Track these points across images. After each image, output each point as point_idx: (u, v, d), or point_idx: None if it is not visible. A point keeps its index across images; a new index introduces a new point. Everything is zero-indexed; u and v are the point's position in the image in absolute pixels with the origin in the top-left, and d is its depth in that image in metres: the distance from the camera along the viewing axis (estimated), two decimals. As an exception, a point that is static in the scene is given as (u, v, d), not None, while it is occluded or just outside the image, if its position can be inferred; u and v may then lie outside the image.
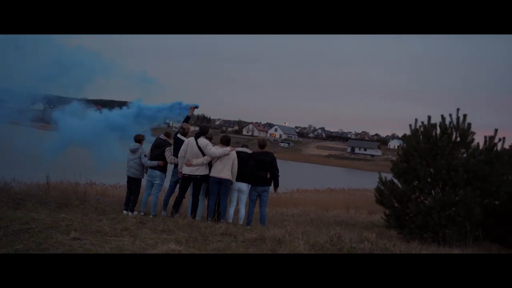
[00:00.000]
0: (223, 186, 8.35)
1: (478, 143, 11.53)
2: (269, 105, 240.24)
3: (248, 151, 8.89)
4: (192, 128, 9.80)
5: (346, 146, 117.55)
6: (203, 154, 8.37)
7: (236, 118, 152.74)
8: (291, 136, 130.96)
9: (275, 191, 9.10)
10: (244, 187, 8.66)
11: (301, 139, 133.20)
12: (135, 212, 9.07)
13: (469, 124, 11.32)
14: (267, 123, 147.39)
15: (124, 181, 14.24)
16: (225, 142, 8.56)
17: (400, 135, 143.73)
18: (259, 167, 8.60)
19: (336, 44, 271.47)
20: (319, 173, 58.66)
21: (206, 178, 8.46)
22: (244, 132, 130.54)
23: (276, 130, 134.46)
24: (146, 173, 9.32)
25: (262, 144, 9.00)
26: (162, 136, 9.24)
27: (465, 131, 11.31)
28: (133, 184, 9.26)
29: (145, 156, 9.15)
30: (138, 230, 6.82)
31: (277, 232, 6.75)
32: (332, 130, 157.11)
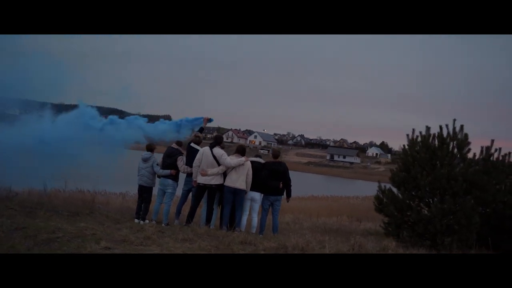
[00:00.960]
0: (237, 195, 8.46)
1: (474, 153, 11.91)
2: (248, 111, 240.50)
3: (261, 161, 9.03)
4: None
5: (326, 154, 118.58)
6: (218, 164, 8.46)
7: (215, 125, 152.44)
8: (271, 143, 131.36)
9: (287, 201, 9.23)
10: (257, 196, 8.78)
11: (280, 146, 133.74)
12: (147, 221, 9.08)
13: (466, 135, 11.69)
14: (246, 130, 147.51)
15: (114, 189, 14.00)
16: (241, 152, 8.68)
17: (378, 143, 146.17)
18: (272, 177, 8.74)
19: (314, 51, 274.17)
20: (300, 180, 59.04)
21: (220, 187, 8.55)
22: (224, 139, 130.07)
23: (255, 137, 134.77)
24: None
25: (276, 154, 9.15)
26: (174, 145, 9.30)
27: (463, 142, 11.68)
28: (145, 192, 9.27)
29: (157, 165, 9.18)
30: (160, 239, 6.88)
31: (299, 240, 6.87)
32: (311, 138, 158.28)
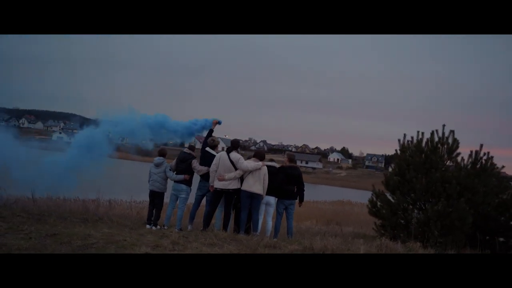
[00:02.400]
0: (254, 200, 8.50)
1: (462, 157, 12.44)
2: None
3: (276, 165, 9.12)
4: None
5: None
6: (235, 168, 8.49)
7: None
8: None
9: (299, 205, 9.33)
10: (272, 200, 8.86)
11: (243, 151, 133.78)
12: (158, 227, 9.00)
13: (456, 140, 12.22)
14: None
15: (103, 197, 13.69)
16: (258, 156, 8.74)
17: (338, 148, 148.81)
18: (287, 181, 8.84)
19: (275, 57, 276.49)
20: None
21: (237, 192, 8.57)
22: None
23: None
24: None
25: (291, 158, 9.27)
26: (186, 150, 9.26)
27: (452, 146, 12.20)
28: (157, 198, 9.19)
29: (170, 170, 9.12)
30: (188, 244, 6.84)
31: (327, 243, 6.99)
32: (273, 143, 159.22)
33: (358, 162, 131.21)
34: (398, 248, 6.93)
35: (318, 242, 7.06)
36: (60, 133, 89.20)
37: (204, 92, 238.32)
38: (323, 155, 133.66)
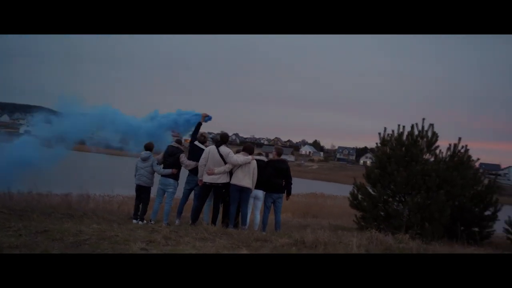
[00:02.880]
0: (243, 194, 8.49)
1: (440, 150, 12.73)
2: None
3: (265, 159, 9.13)
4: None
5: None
6: (225, 162, 8.46)
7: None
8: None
9: (287, 199, 9.37)
10: (260, 194, 8.87)
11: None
12: (145, 221, 8.91)
13: (435, 133, 12.49)
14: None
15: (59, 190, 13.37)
16: (248, 150, 8.73)
17: (310, 141, 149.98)
18: (276, 175, 8.87)
19: (248, 51, 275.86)
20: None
21: (226, 186, 8.55)
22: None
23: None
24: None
25: (280, 152, 9.29)
26: (174, 144, 9.17)
27: (431, 140, 12.47)
28: (143, 192, 9.09)
29: (157, 164, 9.02)
30: (180, 238, 6.79)
31: (318, 236, 7.04)
32: (245, 136, 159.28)
33: (330, 155, 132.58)
34: (389, 240, 7.04)
35: (309, 235, 7.10)
36: (28, 126, 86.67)
37: (177, 86, 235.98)
38: (295, 148, 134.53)
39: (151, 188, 9.25)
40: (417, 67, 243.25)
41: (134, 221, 8.89)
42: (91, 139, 10.93)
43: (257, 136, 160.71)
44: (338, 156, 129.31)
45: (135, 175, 9.16)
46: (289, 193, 9.25)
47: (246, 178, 8.48)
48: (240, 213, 8.69)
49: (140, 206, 9.10)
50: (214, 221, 8.57)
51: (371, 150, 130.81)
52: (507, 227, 14.62)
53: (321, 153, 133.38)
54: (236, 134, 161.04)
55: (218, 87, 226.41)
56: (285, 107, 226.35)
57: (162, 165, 9.13)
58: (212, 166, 8.45)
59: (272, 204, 9.10)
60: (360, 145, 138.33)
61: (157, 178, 9.24)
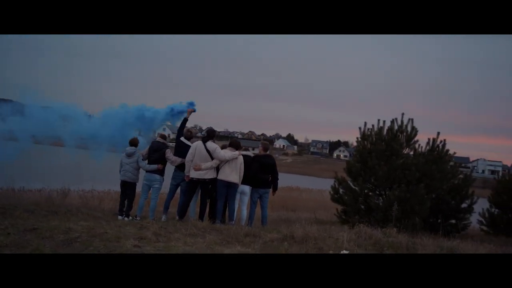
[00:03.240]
0: (231, 189, 8.48)
1: (420, 144, 12.97)
2: (155, 105, 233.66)
3: (251, 154, 9.13)
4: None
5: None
6: (211, 158, 8.42)
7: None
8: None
9: (273, 194, 9.39)
10: (247, 189, 8.87)
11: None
12: (130, 217, 8.81)
13: (415, 128, 12.73)
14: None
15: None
16: (235, 146, 8.71)
17: (284, 135, 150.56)
18: (262, 170, 8.88)
19: (220, 45, 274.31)
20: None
21: (213, 181, 8.51)
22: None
23: (164, 129, 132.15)
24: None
25: (266, 147, 9.30)
26: (159, 139, 9.07)
27: (411, 134, 12.71)
28: (129, 188, 8.97)
29: (142, 160, 8.91)
30: (170, 234, 6.75)
31: (308, 230, 7.09)
32: (219, 130, 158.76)
33: (304, 148, 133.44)
34: (377, 234, 7.15)
35: (299, 230, 7.15)
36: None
37: (147, 78, 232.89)
38: (269, 141, 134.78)
39: (136, 183, 9.13)
40: (385, 61, 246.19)
41: (120, 217, 8.79)
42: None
43: (230, 130, 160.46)
44: (311, 149, 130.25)
45: (120, 171, 9.03)
46: (275, 189, 9.28)
47: (233, 174, 8.46)
48: (227, 209, 8.68)
49: (126, 202, 8.98)
50: (201, 217, 8.54)
51: (344, 143, 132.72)
52: (481, 219, 15.13)
53: (295, 147, 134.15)
54: (210, 128, 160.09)
55: (188, 81, 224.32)
56: (258, 100, 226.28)
57: (147, 161, 9.02)
58: (199, 162, 8.40)
59: (259, 199, 9.12)
60: (334, 138, 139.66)
61: (142, 173, 9.13)
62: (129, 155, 8.88)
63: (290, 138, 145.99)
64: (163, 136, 9.21)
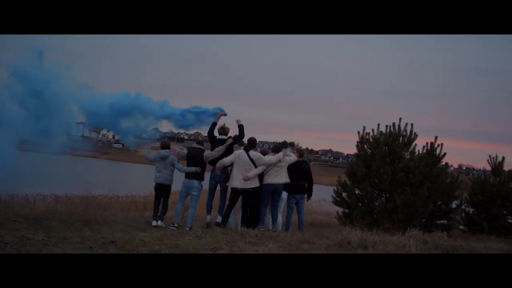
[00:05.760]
0: (276, 194, 8.54)
1: (417, 148, 13.47)
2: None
3: (294, 158, 9.13)
4: None
5: (183, 147, 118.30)
6: (255, 166, 8.39)
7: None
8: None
9: (307, 200, 9.44)
10: (284, 195, 8.90)
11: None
12: (161, 222, 8.63)
13: (412, 131, 13.19)
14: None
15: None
16: (276, 150, 8.72)
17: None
18: (299, 176, 8.93)
19: (163, 46, 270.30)
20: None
21: (256, 190, 8.50)
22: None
23: (109, 130, 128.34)
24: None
25: (302, 153, 9.35)
26: (196, 145, 8.96)
27: (410, 138, 13.17)
28: (164, 190, 8.80)
29: (178, 161, 8.77)
30: (235, 243, 6.64)
31: (361, 236, 7.22)
32: (164, 131, 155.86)
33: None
34: (427, 238, 7.40)
35: (355, 236, 7.27)
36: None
37: (92, 79, 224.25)
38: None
39: (171, 185, 8.99)
40: (328, 60, 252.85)
41: (154, 222, 8.62)
42: None
43: (175, 131, 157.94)
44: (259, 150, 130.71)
45: (155, 174, 8.86)
46: (310, 194, 9.36)
47: (281, 175, 8.60)
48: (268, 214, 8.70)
49: (161, 206, 8.80)
50: (243, 224, 8.50)
51: (291, 144, 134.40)
52: (457, 218, 15.96)
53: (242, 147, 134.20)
54: (156, 129, 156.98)
55: (130, 81, 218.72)
56: (203, 100, 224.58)
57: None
58: (243, 171, 8.35)
59: (295, 205, 9.16)
60: (279, 139, 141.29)
61: (179, 179, 8.94)
62: (164, 158, 8.73)
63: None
64: (200, 142, 9.10)
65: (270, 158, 8.53)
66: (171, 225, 8.63)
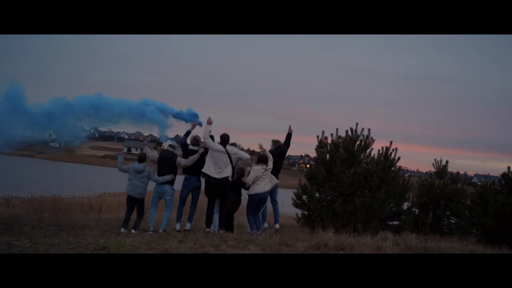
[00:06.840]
0: (261, 203, 8.68)
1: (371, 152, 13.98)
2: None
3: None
4: None
5: (122, 147, 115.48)
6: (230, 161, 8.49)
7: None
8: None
9: None
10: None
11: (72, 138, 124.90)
12: (134, 231, 8.42)
13: (369, 136, 13.65)
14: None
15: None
16: (262, 161, 8.79)
17: (171, 136, 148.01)
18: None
19: (107, 46, 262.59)
20: (97, 176, 54.84)
21: (228, 182, 8.62)
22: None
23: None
24: None
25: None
26: (169, 148, 8.78)
27: (367, 142, 13.63)
28: (138, 203, 8.58)
29: (154, 173, 8.56)
30: (219, 247, 6.64)
31: (340, 238, 7.42)
32: (103, 130, 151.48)
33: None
34: (398, 239, 7.74)
35: (331, 238, 7.46)
36: None
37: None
38: (158, 142, 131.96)
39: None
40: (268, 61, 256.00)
41: (123, 229, 8.38)
42: None
43: (115, 130, 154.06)
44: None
45: (127, 186, 8.58)
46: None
47: (266, 183, 8.79)
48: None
49: (136, 217, 8.63)
50: (223, 227, 8.51)
51: (232, 144, 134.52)
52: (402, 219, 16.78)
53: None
54: (95, 128, 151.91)
55: (69, 79, 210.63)
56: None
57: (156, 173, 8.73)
58: (221, 164, 8.45)
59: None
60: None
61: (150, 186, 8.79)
62: (139, 172, 8.49)
63: (176, 138, 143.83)
64: (172, 146, 8.96)
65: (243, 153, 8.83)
66: (148, 230, 8.46)
